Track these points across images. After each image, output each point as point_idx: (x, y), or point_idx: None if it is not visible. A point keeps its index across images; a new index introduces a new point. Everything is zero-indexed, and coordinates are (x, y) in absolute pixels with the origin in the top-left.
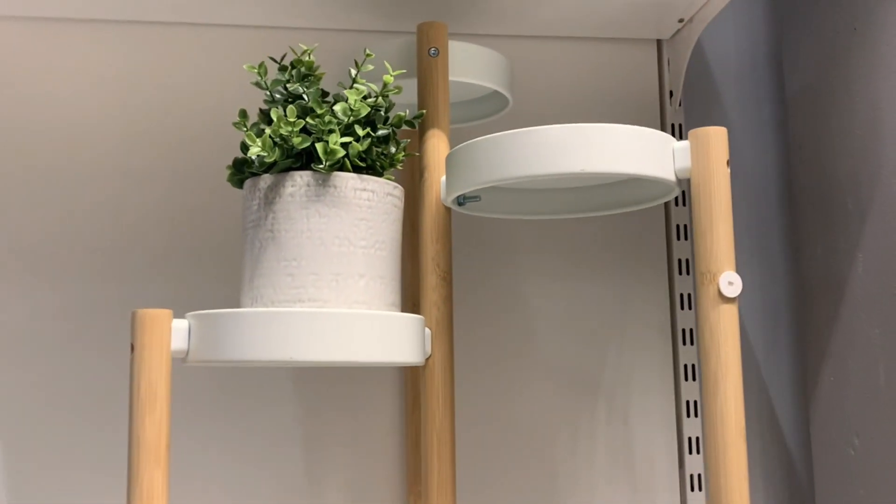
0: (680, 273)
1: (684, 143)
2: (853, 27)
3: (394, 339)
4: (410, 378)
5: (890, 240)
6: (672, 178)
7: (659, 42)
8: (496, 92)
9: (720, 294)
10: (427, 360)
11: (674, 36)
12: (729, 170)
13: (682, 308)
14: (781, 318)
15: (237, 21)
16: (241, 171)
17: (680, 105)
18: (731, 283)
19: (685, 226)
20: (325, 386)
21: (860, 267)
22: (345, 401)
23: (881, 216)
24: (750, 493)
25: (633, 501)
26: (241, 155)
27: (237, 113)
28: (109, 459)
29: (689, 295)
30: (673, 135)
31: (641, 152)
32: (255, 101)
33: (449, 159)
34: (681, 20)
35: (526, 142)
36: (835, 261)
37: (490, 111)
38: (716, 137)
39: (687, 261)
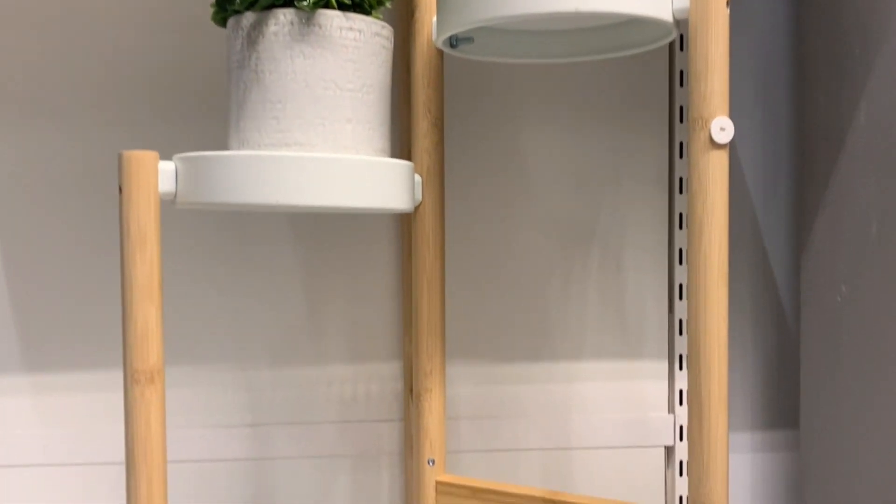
0: (681, 121)
1: None
2: None
3: (381, 184)
4: (406, 226)
5: (895, 91)
6: (669, 18)
7: None
8: None
9: (711, 140)
10: (417, 207)
11: None
12: (728, 10)
13: (681, 157)
14: (782, 167)
15: None
16: (225, 8)
17: None
18: (722, 129)
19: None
20: (324, 232)
21: (862, 117)
22: (343, 248)
23: (888, 65)
24: (737, 338)
25: (622, 345)
26: None
27: None
28: (106, 299)
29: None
30: None
31: None
32: None
33: None
34: None
35: None
36: (837, 109)
37: None
38: None
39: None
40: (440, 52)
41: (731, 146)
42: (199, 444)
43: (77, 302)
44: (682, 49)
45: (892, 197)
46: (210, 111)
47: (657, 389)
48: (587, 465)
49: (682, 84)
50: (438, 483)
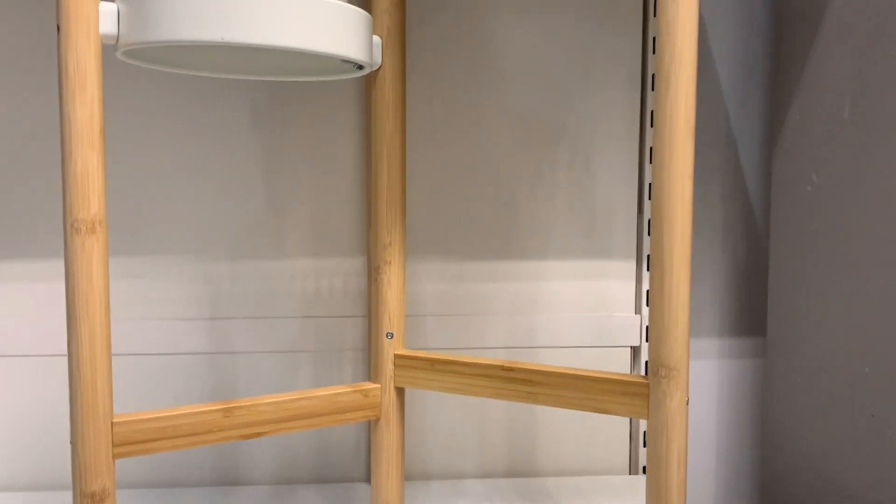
0: (654, 15)
1: None
2: None
3: (334, 28)
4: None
5: None
6: None
7: None
8: None
9: None
10: (377, 71)
11: None
12: None
13: (654, 53)
14: (758, 67)
15: None
16: None
17: None
18: None
19: None
20: (285, 115)
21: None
22: (305, 135)
23: None
24: (707, 247)
25: (590, 245)
26: None
27: None
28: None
29: None
30: None
31: None
32: None
33: None
34: None
35: None
36: None
37: None
38: None
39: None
40: None
41: (704, 39)
42: (157, 337)
43: (32, 191)
44: None
45: (867, 77)
46: None
47: (624, 289)
48: (553, 364)
49: None
50: (397, 356)
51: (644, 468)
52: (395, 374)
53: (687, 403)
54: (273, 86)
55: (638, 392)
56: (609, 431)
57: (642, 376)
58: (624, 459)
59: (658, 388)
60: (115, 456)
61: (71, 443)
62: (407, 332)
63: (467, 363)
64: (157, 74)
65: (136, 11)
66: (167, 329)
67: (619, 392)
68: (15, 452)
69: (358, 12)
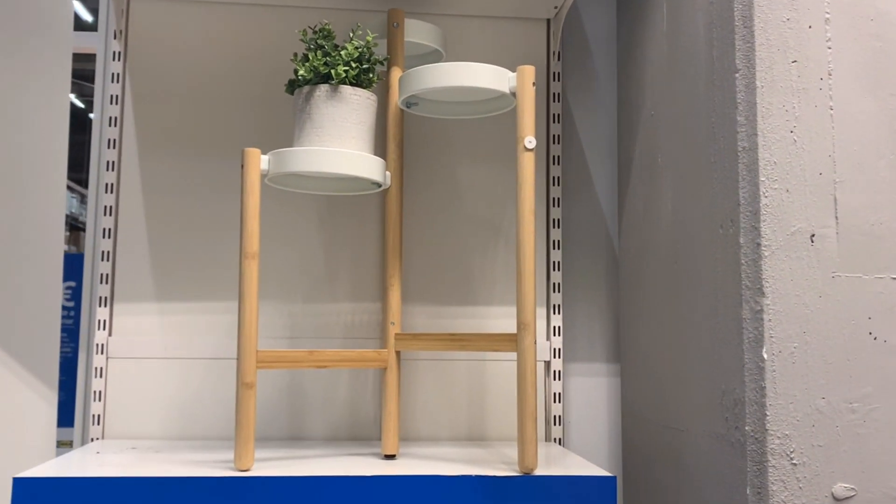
0: (555, 163)
1: None
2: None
3: (368, 165)
4: (385, 213)
5: None
6: (507, 90)
7: (548, 21)
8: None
9: (525, 148)
10: (387, 189)
11: (556, 16)
12: (534, 89)
13: (554, 185)
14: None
15: (289, 3)
16: (293, 85)
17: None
18: (530, 141)
19: (557, 135)
20: (335, 215)
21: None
22: (348, 225)
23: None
24: (590, 297)
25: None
26: (292, 77)
27: (291, 55)
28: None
29: (558, 177)
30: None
31: None
32: (297, 48)
33: (401, 80)
34: (556, 7)
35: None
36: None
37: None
38: None
39: (558, 157)
40: (401, 111)
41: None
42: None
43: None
44: (556, 120)
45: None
46: (281, 137)
47: (540, 324)
48: (497, 370)
49: (554, 142)
50: (396, 335)
51: (557, 439)
52: (395, 345)
53: (535, 343)
54: (330, 198)
55: (510, 339)
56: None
57: (513, 333)
58: (541, 433)
59: (522, 337)
60: (257, 366)
61: (237, 360)
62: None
63: (432, 335)
64: (276, 192)
65: (276, 159)
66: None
67: (502, 340)
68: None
69: (380, 160)
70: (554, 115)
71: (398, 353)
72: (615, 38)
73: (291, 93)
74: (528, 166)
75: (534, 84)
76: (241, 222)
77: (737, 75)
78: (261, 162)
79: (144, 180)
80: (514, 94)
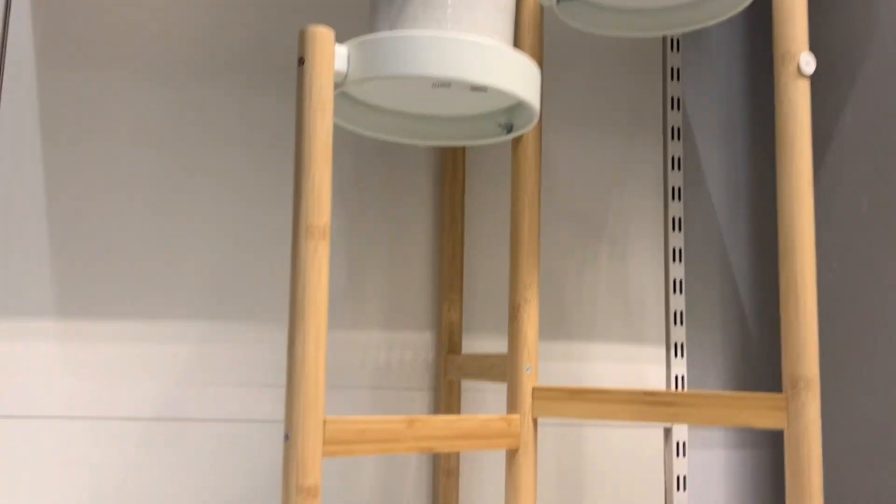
0: (672, 138)
1: None
2: None
3: (519, 73)
4: (445, 196)
5: None
6: None
7: None
8: None
9: (799, 70)
10: (520, 138)
11: None
12: None
13: (673, 169)
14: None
15: None
16: None
17: None
18: (807, 62)
19: (678, 98)
20: (367, 200)
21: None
22: (384, 215)
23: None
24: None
25: (624, 329)
26: None
27: None
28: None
29: (679, 158)
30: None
31: None
32: None
33: None
34: None
35: None
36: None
37: None
38: None
39: (679, 129)
40: (540, 8)
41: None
42: (230, 403)
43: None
44: (673, 78)
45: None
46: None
47: (657, 373)
48: (597, 442)
49: (673, 108)
50: (535, 389)
51: None
52: (534, 407)
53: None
54: (355, 168)
55: (776, 405)
56: (644, 483)
57: (777, 392)
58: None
59: (797, 399)
60: (324, 454)
61: (286, 437)
62: (465, 396)
63: (608, 391)
64: (256, 151)
65: (362, 53)
66: (240, 396)
67: (758, 406)
68: None
69: (533, 65)
70: (673, 68)
71: (535, 421)
72: None
73: None
74: (801, 103)
75: None
76: (296, 170)
77: None
78: (335, 57)
79: None
80: None
